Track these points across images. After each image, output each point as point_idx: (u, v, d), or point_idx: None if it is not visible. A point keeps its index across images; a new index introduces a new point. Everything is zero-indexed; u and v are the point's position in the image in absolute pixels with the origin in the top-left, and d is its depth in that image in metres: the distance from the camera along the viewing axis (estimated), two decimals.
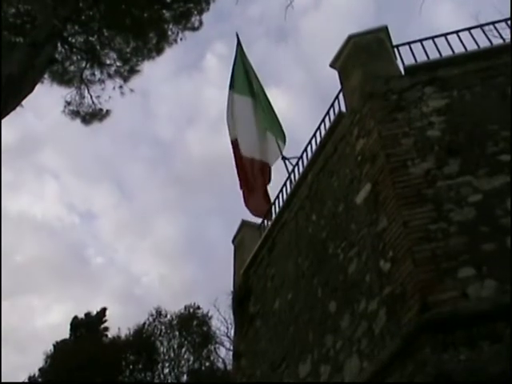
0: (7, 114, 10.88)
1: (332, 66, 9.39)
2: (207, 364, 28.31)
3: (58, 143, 57.85)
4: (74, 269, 49.22)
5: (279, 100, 59.03)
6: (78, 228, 57.97)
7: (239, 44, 14.86)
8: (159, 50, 17.28)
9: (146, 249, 51.63)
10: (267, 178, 12.74)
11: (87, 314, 30.73)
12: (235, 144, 13.34)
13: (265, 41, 66.33)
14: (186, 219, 56.32)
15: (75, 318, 30.53)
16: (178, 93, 60.13)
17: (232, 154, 13.39)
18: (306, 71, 64.67)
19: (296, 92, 61.41)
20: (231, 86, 14.26)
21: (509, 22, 8.57)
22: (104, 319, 30.84)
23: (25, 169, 57.86)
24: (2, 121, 10.64)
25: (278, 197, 10.99)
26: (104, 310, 31.12)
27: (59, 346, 28.69)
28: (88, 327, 30.07)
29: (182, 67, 65.06)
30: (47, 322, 44.02)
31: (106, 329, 30.54)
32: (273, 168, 12.86)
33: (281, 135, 12.96)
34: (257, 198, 12.55)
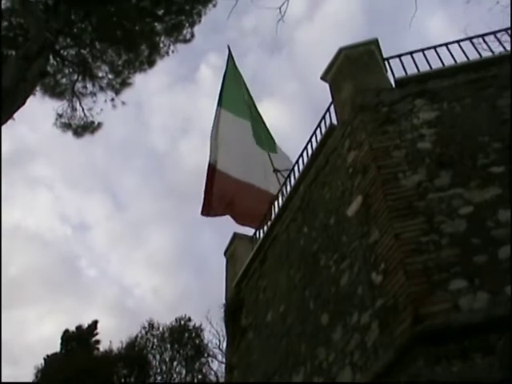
0: None
1: (323, 78, 9.42)
2: (199, 377, 28.18)
3: (52, 154, 57.85)
4: (67, 280, 49.10)
5: (273, 111, 59.30)
6: (71, 239, 57.90)
7: (231, 57, 14.83)
8: (151, 63, 17.34)
9: (139, 260, 51.62)
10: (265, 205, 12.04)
11: (78, 327, 30.57)
12: (212, 167, 12.76)
13: (259, 52, 66.78)
14: (179, 230, 56.34)
15: (66, 331, 30.36)
16: (171, 104, 60.29)
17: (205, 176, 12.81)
18: (299, 83, 65.06)
19: (289, 104, 61.74)
20: (219, 103, 13.88)
21: (498, 35, 8.64)
22: (95, 332, 30.68)
23: (18, 180, 57.71)
24: None
25: (269, 209, 10.99)
26: (95, 322, 30.97)
27: (50, 360, 28.50)
28: (79, 340, 29.90)
29: (176, 79, 65.32)
30: (39, 335, 43.75)
31: (98, 342, 30.39)
32: None
33: (272, 147, 12.85)
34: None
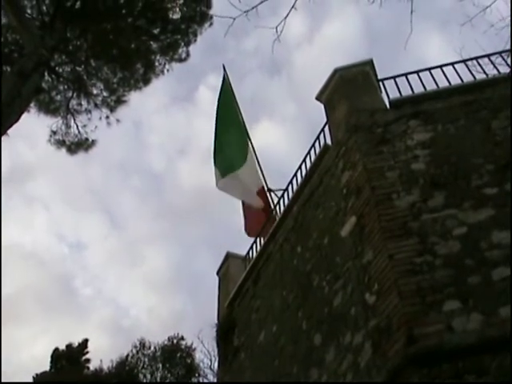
0: None
1: (318, 98, 9.45)
2: None
3: (49, 172, 57.70)
4: (62, 300, 48.81)
5: (271, 132, 59.49)
6: (67, 258, 57.48)
7: (226, 77, 14.78)
8: (146, 81, 17.39)
9: (135, 280, 51.24)
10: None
11: (68, 346, 30.26)
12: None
13: (258, 73, 67.02)
14: (175, 250, 56.16)
15: (56, 349, 30.06)
16: (170, 124, 60.38)
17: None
18: (298, 104, 65.30)
19: (288, 124, 61.92)
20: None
21: (492, 58, 8.72)
22: (86, 351, 30.38)
23: (14, 198, 57.44)
24: None
25: (262, 228, 10.97)
26: (86, 341, 30.67)
27: (39, 379, 28.20)
28: (69, 359, 29.60)
29: (175, 99, 65.31)
30: (32, 354, 43.31)
31: (88, 360, 30.09)
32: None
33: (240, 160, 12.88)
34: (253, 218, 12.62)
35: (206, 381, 27.42)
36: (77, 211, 58.54)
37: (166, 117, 60.75)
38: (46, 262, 54.63)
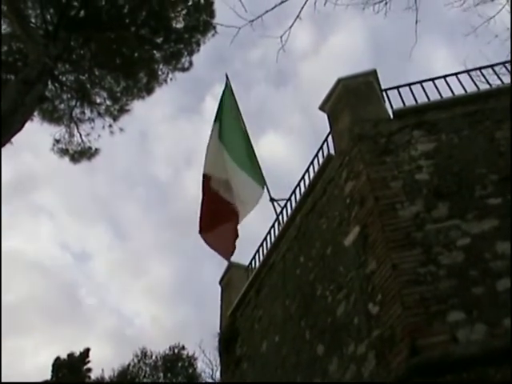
0: None
1: (321, 108, 9.44)
2: None
3: (54, 182, 57.74)
4: (66, 309, 48.67)
5: (277, 143, 59.59)
6: (72, 268, 57.42)
7: (229, 86, 14.66)
8: (149, 90, 17.44)
9: (139, 290, 51.19)
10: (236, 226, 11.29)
11: (70, 355, 30.20)
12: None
13: (264, 84, 67.15)
14: (180, 260, 56.02)
15: (57, 358, 30.00)
16: (176, 134, 60.52)
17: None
18: (304, 114, 65.43)
19: (294, 135, 61.93)
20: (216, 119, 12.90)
21: (495, 68, 8.73)
22: (87, 360, 30.32)
23: (19, 207, 57.43)
24: None
25: (265, 238, 10.96)
26: (87, 350, 30.62)
27: None
28: (70, 368, 29.54)
29: (182, 109, 65.41)
30: (36, 364, 43.28)
31: (90, 370, 30.03)
32: (260, 208, 12.50)
33: (260, 182, 12.17)
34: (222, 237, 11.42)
35: None
36: (82, 221, 58.68)
37: (173, 127, 60.88)
38: (50, 271, 54.65)
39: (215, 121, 12.75)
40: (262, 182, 11.55)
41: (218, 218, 11.51)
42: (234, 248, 11.09)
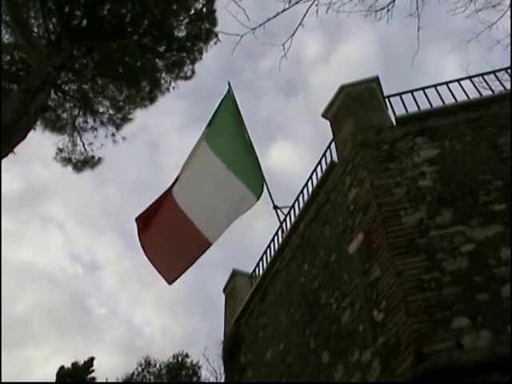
0: None
1: (324, 115, 9.44)
2: None
3: (64, 192, 57.82)
4: (76, 319, 48.71)
5: (287, 152, 59.59)
6: (81, 278, 57.51)
7: (230, 92, 14.46)
8: (152, 99, 17.49)
9: (149, 300, 51.17)
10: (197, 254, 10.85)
11: (74, 364, 30.18)
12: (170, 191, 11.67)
13: (274, 94, 67.23)
14: (190, 270, 55.82)
15: (61, 367, 29.97)
16: (186, 144, 60.60)
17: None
18: (312, 123, 65.57)
19: (303, 144, 61.97)
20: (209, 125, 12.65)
21: (498, 74, 8.73)
22: (91, 369, 30.28)
23: (29, 218, 57.50)
24: None
25: (269, 246, 10.94)
26: (91, 359, 30.60)
27: None
28: (74, 377, 29.50)
29: (191, 120, 65.52)
30: (46, 374, 43.24)
31: (94, 379, 29.98)
32: (264, 215, 12.46)
33: (256, 190, 11.69)
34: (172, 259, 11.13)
35: None
36: (92, 231, 58.72)
37: (183, 137, 60.94)
38: (60, 281, 54.88)
39: (208, 125, 12.58)
40: (258, 189, 11.17)
41: (171, 232, 11.24)
42: (180, 275, 10.81)
